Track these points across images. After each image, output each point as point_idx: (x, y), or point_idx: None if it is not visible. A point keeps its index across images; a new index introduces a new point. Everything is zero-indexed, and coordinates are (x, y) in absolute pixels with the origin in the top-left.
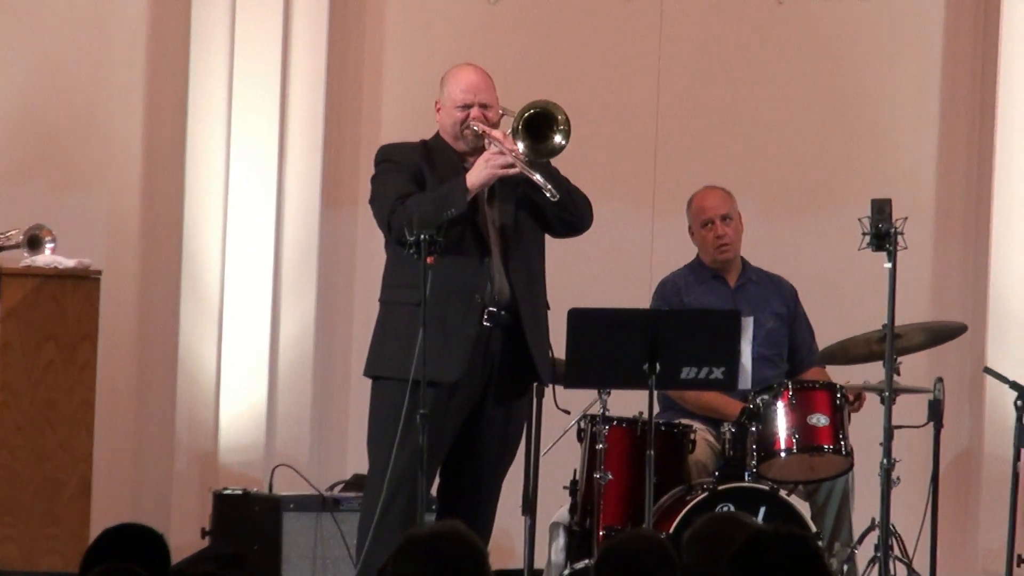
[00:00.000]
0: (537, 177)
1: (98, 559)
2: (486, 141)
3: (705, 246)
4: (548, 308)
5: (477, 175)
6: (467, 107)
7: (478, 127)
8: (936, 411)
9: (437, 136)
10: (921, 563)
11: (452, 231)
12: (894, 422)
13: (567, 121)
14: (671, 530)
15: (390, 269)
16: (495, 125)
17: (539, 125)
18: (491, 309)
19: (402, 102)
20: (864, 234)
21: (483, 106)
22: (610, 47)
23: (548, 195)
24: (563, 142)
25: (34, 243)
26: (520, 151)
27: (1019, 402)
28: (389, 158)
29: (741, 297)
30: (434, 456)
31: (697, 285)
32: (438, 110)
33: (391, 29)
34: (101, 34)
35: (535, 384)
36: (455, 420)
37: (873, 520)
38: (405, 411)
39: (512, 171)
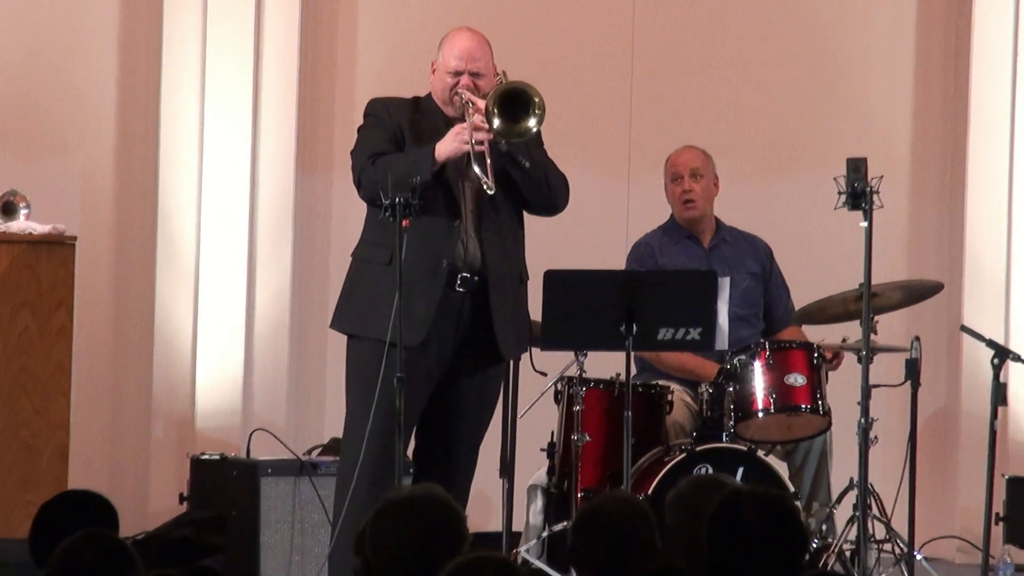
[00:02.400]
0: (476, 168)
1: (47, 528)
2: (467, 111)
3: (673, 202)
4: (525, 279)
5: (446, 147)
6: (459, 74)
7: (465, 95)
8: (913, 370)
9: (429, 97)
10: (899, 522)
11: (427, 192)
12: (871, 381)
13: (542, 106)
14: (649, 491)
15: (366, 225)
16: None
17: (515, 106)
18: (464, 275)
19: (376, 67)
20: (840, 193)
21: (474, 75)
22: (584, 9)
23: (484, 186)
24: (535, 126)
25: (8, 209)
26: (494, 127)
27: (996, 360)
28: (374, 112)
29: (715, 257)
30: (407, 419)
31: (671, 246)
32: (433, 71)
33: None
34: None
35: None
36: (425, 383)
37: (851, 479)
38: (382, 374)
39: (477, 148)
